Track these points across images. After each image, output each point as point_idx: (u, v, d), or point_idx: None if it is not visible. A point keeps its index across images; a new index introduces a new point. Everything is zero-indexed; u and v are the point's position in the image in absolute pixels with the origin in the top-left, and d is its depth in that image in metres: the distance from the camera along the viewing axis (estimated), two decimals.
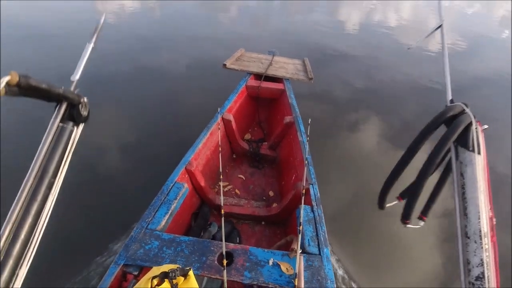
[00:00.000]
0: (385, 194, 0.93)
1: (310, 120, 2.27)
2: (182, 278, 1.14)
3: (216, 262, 1.54)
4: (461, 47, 7.61)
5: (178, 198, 1.96)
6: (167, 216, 1.82)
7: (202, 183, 2.44)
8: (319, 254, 1.64)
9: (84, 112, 0.71)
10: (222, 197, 1.68)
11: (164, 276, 1.10)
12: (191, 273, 1.16)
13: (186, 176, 2.32)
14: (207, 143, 2.63)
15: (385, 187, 0.92)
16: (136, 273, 1.50)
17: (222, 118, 2.88)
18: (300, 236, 1.54)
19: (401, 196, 0.94)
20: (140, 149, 3.77)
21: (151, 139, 3.94)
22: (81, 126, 0.73)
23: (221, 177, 1.82)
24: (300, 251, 1.55)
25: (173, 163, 2.31)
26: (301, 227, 1.59)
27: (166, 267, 1.15)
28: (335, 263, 2.61)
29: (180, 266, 1.15)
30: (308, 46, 6.78)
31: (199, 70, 5.59)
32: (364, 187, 3.45)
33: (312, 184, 2.13)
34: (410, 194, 0.87)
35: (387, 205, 0.95)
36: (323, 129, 4.29)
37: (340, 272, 2.57)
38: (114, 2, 8.51)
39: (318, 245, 1.69)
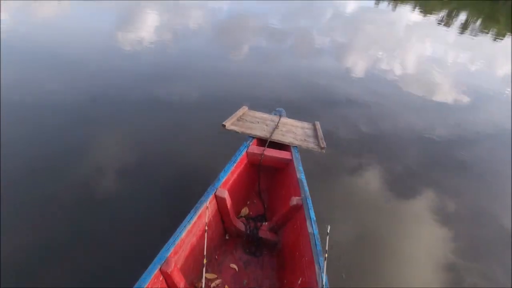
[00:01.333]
0: None
1: (329, 227, 1.71)
2: None
3: None
4: None
5: None
6: None
7: (182, 285, 1.86)
8: None
9: None
10: None
11: None
12: None
13: (161, 278, 1.75)
14: (193, 230, 2.09)
15: None
16: None
17: (215, 196, 2.37)
18: None
19: None
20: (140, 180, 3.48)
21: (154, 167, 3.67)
22: None
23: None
24: None
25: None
26: None
27: None
28: None
29: None
30: (313, 90, 6.76)
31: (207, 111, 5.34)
32: (371, 240, 3.15)
33: None
34: None
35: None
36: (323, 171, 4.08)
37: None
38: (134, 35, 8.57)
39: None
